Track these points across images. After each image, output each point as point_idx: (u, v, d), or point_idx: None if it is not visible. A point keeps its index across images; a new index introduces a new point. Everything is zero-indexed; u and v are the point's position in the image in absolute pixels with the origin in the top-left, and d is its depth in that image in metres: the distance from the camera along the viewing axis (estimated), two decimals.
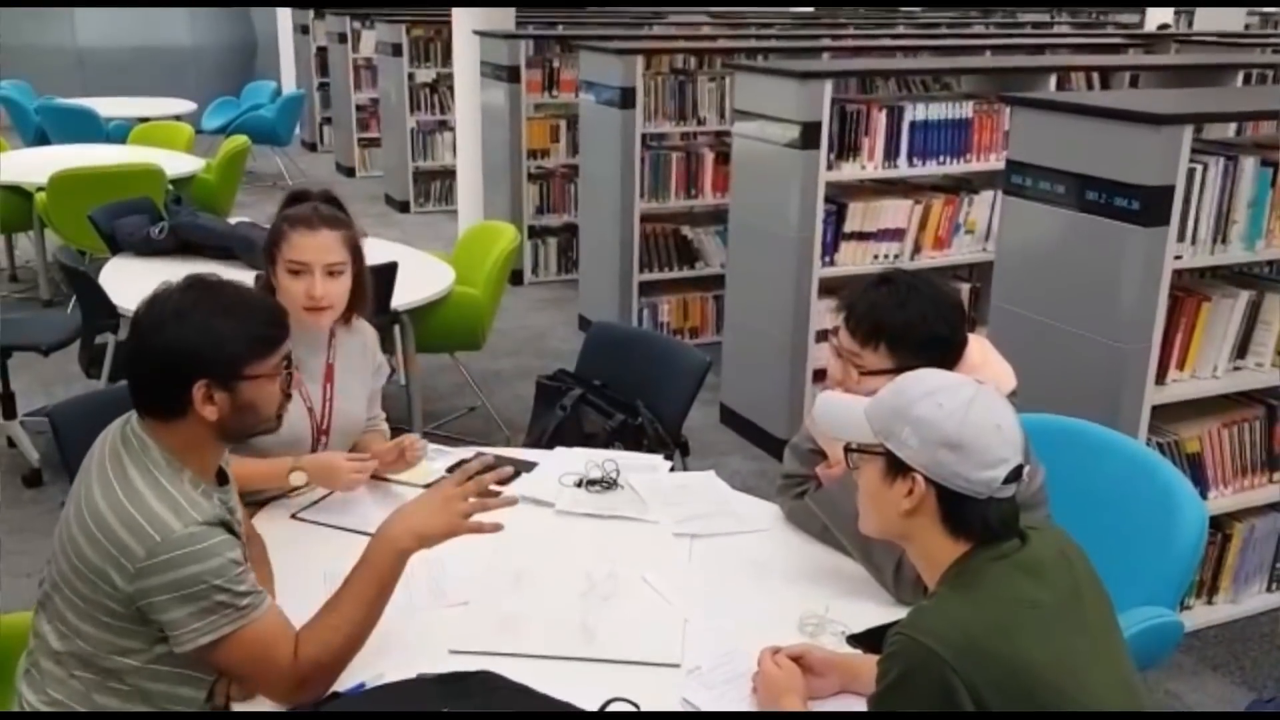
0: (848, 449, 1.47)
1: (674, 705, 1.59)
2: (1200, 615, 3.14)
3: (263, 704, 1.57)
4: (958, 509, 1.37)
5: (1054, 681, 1.29)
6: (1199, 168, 2.73)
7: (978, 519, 1.37)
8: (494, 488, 1.67)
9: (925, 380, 1.43)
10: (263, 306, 1.67)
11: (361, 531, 2.00)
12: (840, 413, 1.50)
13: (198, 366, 1.55)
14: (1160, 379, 2.86)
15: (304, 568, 1.90)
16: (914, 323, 1.82)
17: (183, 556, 1.47)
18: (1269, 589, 3.26)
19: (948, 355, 1.83)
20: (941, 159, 4.19)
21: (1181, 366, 2.91)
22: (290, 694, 1.54)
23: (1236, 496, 3.09)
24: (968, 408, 1.37)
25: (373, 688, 1.54)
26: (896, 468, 1.39)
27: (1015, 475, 1.37)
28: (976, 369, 1.87)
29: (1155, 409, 2.86)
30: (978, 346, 1.93)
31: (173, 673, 1.57)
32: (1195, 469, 3.00)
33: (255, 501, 2.12)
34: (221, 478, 1.68)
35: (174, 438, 1.58)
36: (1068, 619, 1.35)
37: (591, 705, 1.53)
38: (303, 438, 2.22)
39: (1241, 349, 3.00)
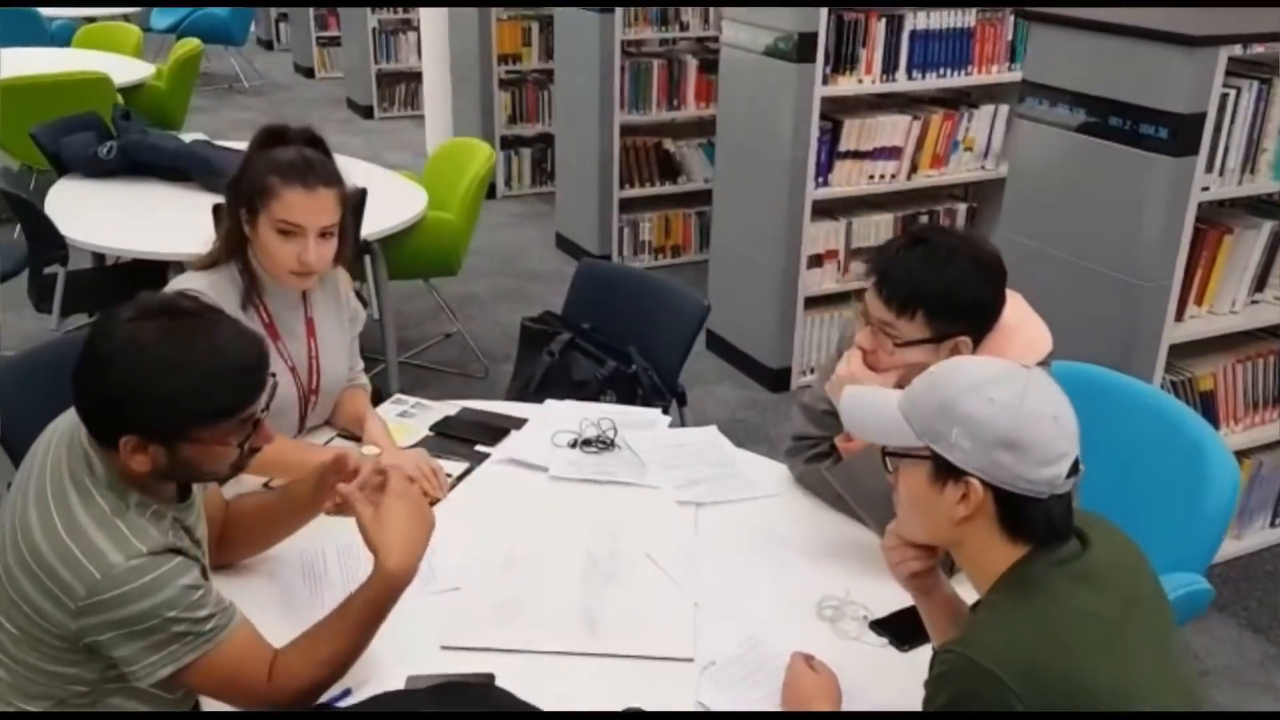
0: (886, 452, 1.30)
1: (690, 709, 1.46)
2: None
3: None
4: (1018, 511, 1.22)
5: (1117, 705, 1.17)
6: (1232, 93, 2.55)
7: (1041, 519, 1.23)
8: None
9: (968, 371, 1.26)
10: (235, 360, 1.35)
11: None
12: (872, 414, 1.33)
13: (126, 422, 1.32)
14: (1179, 316, 2.72)
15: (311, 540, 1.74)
16: (954, 288, 1.63)
17: (127, 594, 1.30)
18: (1273, 524, 3.19)
19: (989, 320, 1.66)
20: (942, 71, 3.96)
21: (1200, 302, 2.78)
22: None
23: (1247, 433, 3.00)
24: (1021, 400, 1.21)
25: (359, 703, 1.40)
26: (946, 471, 1.23)
27: (1076, 468, 1.23)
28: (1013, 330, 1.71)
29: (1171, 347, 2.73)
30: (1012, 304, 1.75)
31: (129, 688, 1.42)
32: (1207, 405, 2.89)
33: None
34: (183, 493, 1.47)
35: (118, 462, 1.37)
36: (1130, 632, 1.22)
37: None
38: (289, 404, 2.02)
39: (1260, 281, 2.86)
